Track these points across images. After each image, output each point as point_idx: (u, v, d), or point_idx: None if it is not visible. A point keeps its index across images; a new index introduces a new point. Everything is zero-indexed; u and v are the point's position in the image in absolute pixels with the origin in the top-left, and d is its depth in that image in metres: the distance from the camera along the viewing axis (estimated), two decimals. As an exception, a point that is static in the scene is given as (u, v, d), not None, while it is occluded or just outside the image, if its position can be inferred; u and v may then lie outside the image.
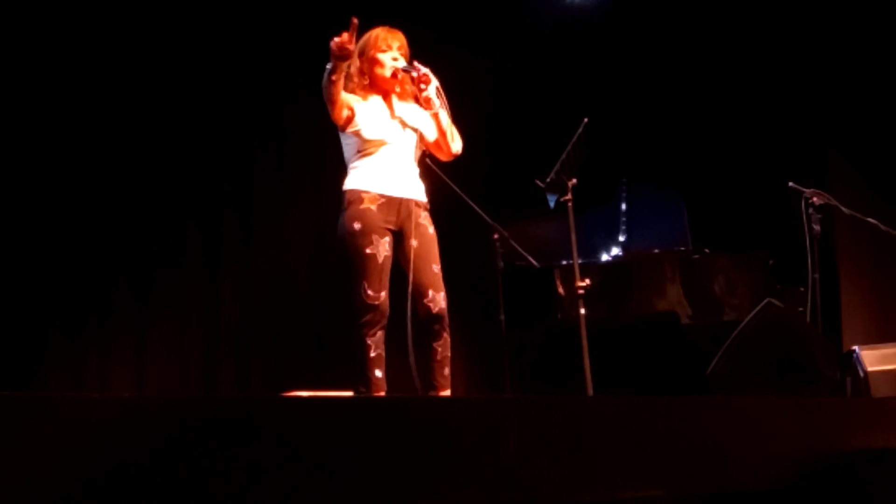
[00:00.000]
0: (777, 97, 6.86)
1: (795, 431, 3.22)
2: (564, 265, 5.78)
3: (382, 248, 3.90)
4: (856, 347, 5.27)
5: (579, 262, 4.82)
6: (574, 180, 4.73)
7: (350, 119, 3.98)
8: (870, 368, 5.10)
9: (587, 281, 4.77)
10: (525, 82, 6.92)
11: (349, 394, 3.97)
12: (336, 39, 3.72)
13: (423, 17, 5.93)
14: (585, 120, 4.90)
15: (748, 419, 3.22)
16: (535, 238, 5.76)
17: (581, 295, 4.69)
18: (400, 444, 2.63)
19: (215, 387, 6.07)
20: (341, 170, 6.26)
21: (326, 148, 6.46)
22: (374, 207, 3.93)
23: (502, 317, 5.26)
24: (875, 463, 3.16)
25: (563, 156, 4.78)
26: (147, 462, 2.34)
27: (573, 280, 4.79)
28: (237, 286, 6.29)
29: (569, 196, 4.72)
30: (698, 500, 2.96)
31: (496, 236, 5.23)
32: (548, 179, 4.81)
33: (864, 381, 5.08)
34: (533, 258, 5.36)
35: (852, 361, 5.18)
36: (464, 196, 4.65)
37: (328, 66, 3.82)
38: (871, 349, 5.24)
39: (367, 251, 3.88)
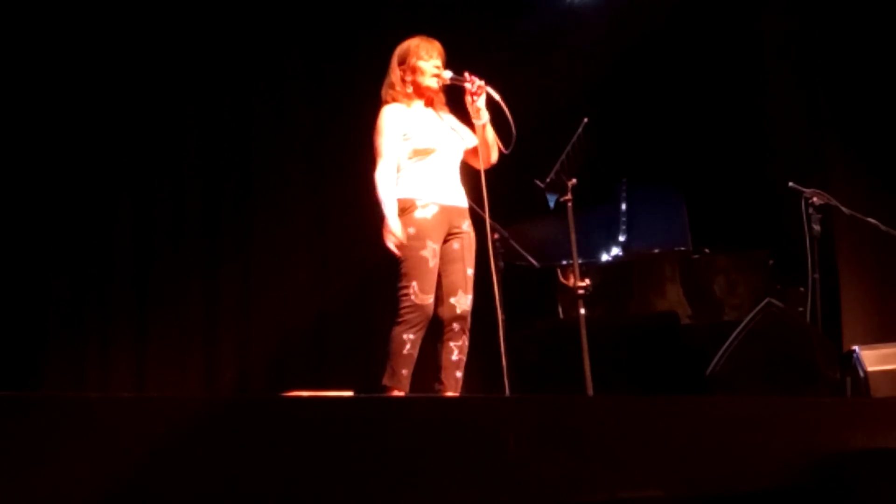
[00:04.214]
0: (777, 97, 6.85)
1: (795, 431, 3.22)
2: (564, 265, 5.77)
3: (434, 253, 4.03)
4: (856, 347, 5.25)
5: (579, 262, 4.82)
6: (574, 180, 4.73)
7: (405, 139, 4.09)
8: (870, 368, 5.09)
9: (587, 281, 4.77)
10: (525, 82, 6.90)
11: (349, 394, 3.97)
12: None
13: (423, 16, 5.92)
14: (585, 120, 4.90)
15: (748, 419, 3.21)
16: (535, 238, 5.76)
17: (581, 295, 4.69)
18: (400, 444, 2.63)
19: (215, 387, 6.07)
20: (344, 168, 6.23)
21: (329, 146, 6.50)
22: (428, 216, 4.04)
23: (502, 317, 5.25)
24: (875, 463, 3.16)
25: (563, 156, 4.78)
26: (147, 462, 2.34)
27: (573, 280, 4.79)
28: (237, 286, 6.28)
29: (569, 196, 4.72)
30: (698, 500, 2.96)
31: (496, 236, 5.22)
32: (548, 179, 4.81)
33: (864, 381, 5.07)
34: (533, 258, 5.35)
35: (852, 361, 5.16)
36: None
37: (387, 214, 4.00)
38: (871, 349, 5.23)
39: (422, 254, 4.00)
